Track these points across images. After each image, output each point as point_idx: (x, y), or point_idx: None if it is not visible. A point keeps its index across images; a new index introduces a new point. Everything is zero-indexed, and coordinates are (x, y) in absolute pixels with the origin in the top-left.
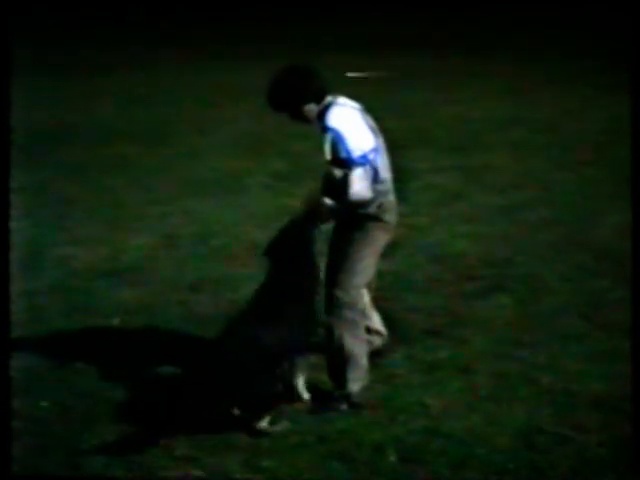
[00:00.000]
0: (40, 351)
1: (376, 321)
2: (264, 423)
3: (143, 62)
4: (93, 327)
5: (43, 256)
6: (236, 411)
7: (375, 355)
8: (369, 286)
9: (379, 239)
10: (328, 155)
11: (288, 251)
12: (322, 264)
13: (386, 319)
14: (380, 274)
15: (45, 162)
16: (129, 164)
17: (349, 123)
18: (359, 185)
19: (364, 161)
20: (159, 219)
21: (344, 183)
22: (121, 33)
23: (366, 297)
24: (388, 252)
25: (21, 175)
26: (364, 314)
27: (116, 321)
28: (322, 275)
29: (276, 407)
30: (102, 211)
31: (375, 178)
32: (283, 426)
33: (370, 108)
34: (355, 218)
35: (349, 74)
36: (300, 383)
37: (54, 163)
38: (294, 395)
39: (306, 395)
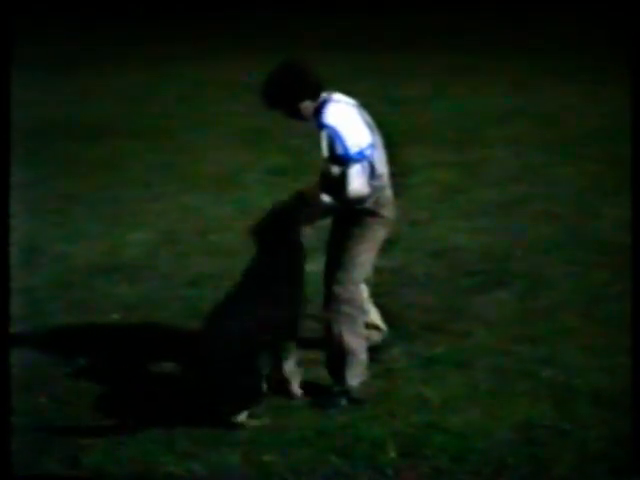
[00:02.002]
0: (39, 347)
1: (375, 316)
2: (242, 417)
3: (142, 58)
4: (92, 323)
5: (42, 252)
6: (220, 405)
7: (374, 350)
8: (367, 281)
9: (377, 234)
10: (325, 152)
11: (275, 236)
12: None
13: (385, 314)
14: (379, 269)
15: (43, 158)
16: (128, 160)
17: (345, 120)
18: (357, 181)
19: (361, 157)
20: (158, 215)
21: (342, 180)
22: (121, 30)
23: (365, 292)
24: (387, 247)
25: (20, 171)
26: (363, 309)
27: (116, 316)
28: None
29: (258, 401)
30: (101, 207)
31: (372, 174)
32: (262, 422)
33: (368, 103)
34: (353, 213)
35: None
36: (294, 381)
37: (52, 159)
38: (287, 392)
39: (297, 391)
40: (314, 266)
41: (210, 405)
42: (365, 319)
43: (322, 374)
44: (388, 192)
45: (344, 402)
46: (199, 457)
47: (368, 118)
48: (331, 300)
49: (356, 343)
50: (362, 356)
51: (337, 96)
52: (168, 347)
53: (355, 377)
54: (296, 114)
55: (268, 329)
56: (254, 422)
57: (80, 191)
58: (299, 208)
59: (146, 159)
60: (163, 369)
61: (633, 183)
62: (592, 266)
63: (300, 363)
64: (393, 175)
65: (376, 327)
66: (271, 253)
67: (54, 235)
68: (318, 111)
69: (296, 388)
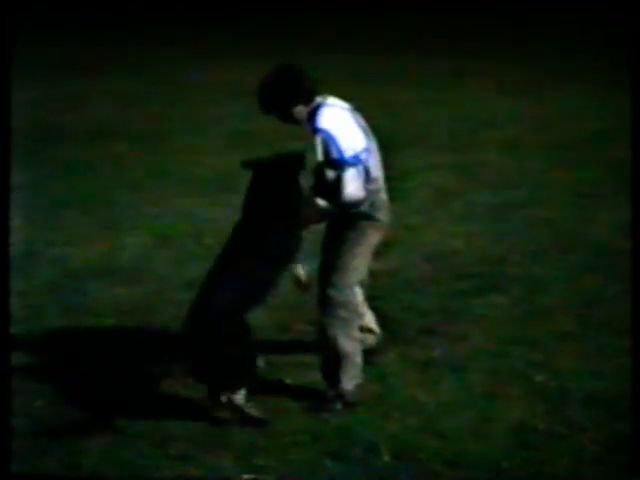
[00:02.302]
0: (35, 350)
1: (370, 320)
2: (240, 398)
3: (139, 62)
4: (88, 326)
5: (38, 255)
6: (223, 397)
7: (369, 353)
8: (363, 284)
9: (371, 238)
10: (320, 156)
11: (269, 180)
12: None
13: (381, 318)
14: (374, 273)
15: (40, 161)
16: (124, 163)
17: (340, 124)
18: (352, 186)
19: (356, 161)
20: (154, 218)
21: (337, 184)
22: (118, 33)
23: (360, 296)
24: (383, 251)
25: (16, 174)
26: (358, 313)
27: (111, 320)
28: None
29: (253, 382)
30: (96, 210)
31: (367, 177)
32: (259, 413)
33: (365, 107)
34: (347, 217)
35: None
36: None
37: (49, 162)
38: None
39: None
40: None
41: (200, 382)
42: (360, 322)
43: (317, 378)
44: (383, 196)
45: (339, 406)
46: (194, 460)
47: (362, 122)
48: (326, 303)
49: (351, 346)
50: (357, 359)
51: (331, 100)
52: (163, 350)
53: (350, 380)
54: (289, 118)
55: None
56: (240, 400)
57: (76, 194)
58: (299, 166)
59: (142, 162)
60: (158, 372)
61: (633, 186)
62: (587, 270)
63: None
64: (389, 179)
65: (371, 330)
66: (263, 194)
67: (50, 238)
68: (312, 115)
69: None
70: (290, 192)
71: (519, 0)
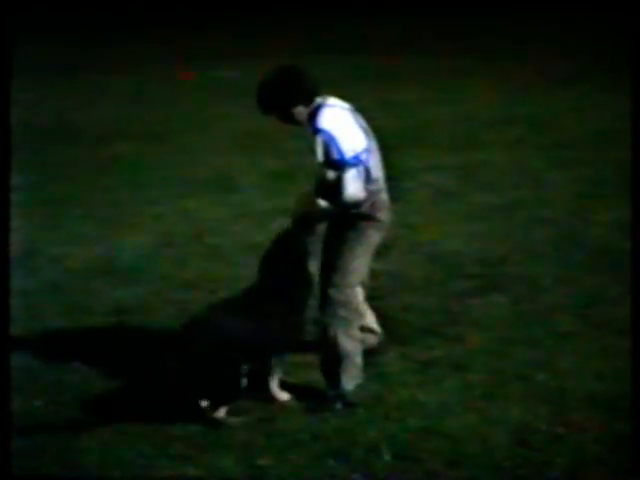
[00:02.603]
0: (36, 350)
1: (370, 320)
2: (221, 413)
3: (139, 62)
4: (89, 326)
5: (39, 255)
6: (203, 402)
7: (370, 354)
8: (363, 284)
9: (372, 238)
10: (320, 157)
11: (282, 261)
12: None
13: (381, 318)
14: (375, 273)
15: (41, 161)
16: (125, 163)
17: (340, 124)
18: (353, 186)
19: (357, 162)
20: (155, 218)
21: (338, 184)
22: (118, 33)
23: (360, 296)
24: (383, 251)
25: (18, 174)
26: (358, 313)
27: (112, 319)
28: (316, 284)
29: (236, 399)
30: (98, 210)
31: (368, 178)
32: (241, 420)
33: (365, 107)
34: (348, 217)
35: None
36: (274, 384)
37: (50, 162)
38: (271, 395)
39: (283, 396)
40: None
41: (190, 400)
42: (361, 322)
43: (317, 377)
44: (384, 196)
45: (339, 406)
46: (194, 460)
47: (363, 122)
48: (326, 303)
49: (351, 346)
50: (357, 359)
51: (332, 100)
52: (164, 350)
53: (350, 381)
54: (290, 119)
55: (261, 340)
56: (234, 420)
57: (77, 194)
58: (305, 233)
59: (143, 162)
60: (159, 372)
61: (633, 186)
62: (587, 270)
63: (283, 368)
64: (389, 179)
65: (372, 330)
66: (277, 276)
67: (51, 238)
68: (313, 116)
69: (277, 391)
70: (297, 246)
71: (519, 0)
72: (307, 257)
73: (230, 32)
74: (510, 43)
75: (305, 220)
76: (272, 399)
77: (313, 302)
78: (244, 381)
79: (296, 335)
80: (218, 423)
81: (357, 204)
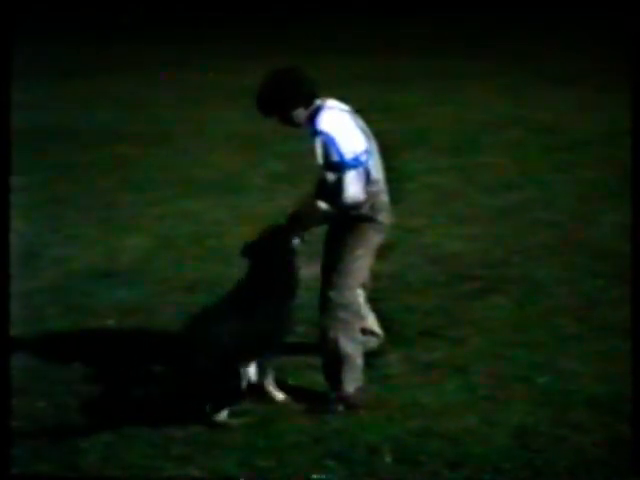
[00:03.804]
0: (36, 351)
1: (371, 321)
2: (222, 416)
3: (139, 62)
4: (89, 327)
5: (39, 256)
6: (204, 404)
7: (371, 356)
8: (364, 286)
9: (372, 240)
10: (320, 159)
11: (266, 256)
12: (304, 270)
13: (382, 319)
14: (376, 275)
15: (42, 162)
16: (126, 164)
17: (340, 126)
18: (353, 188)
19: (357, 163)
20: (155, 219)
21: (338, 186)
22: (120, 33)
23: (361, 297)
24: (384, 253)
25: (17, 175)
26: (359, 315)
27: (110, 322)
28: (299, 282)
29: (238, 402)
30: (98, 211)
31: (368, 180)
32: (244, 421)
33: (365, 109)
34: (348, 219)
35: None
36: (269, 383)
37: (51, 163)
38: (269, 396)
39: (279, 395)
40: (310, 272)
41: (192, 403)
42: (362, 324)
43: (318, 379)
44: (384, 198)
45: (340, 408)
46: (195, 462)
47: (362, 124)
48: (327, 305)
49: (352, 348)
50: (358, 361)
51: (331, 102)
52: (164, 352)
53: (351, 382)
54: (289, 121)
55: (249, 339)
56: (235, 421)
57: (77, 196)
58: (293, 230)
59: (144, 164)
60: (159, 373)
61: (633, 188)
62: (589, 272)
63: (271, 370)
64: (389, 181)
65: (373, 332)
66: (263, 270)
67: (51, 239)
68: (312, 118)
69: (274, 390)
70: (285, 253)
71: (519, 0)
72: (293, 255)
73: (230, 32)
74: (510, 44)
75: (298, 219)
76: (272, 400)
77: (298, 301)
78: (245, 383)
79: (281, 334)
80: (219, 425)
81: (357, 206)
